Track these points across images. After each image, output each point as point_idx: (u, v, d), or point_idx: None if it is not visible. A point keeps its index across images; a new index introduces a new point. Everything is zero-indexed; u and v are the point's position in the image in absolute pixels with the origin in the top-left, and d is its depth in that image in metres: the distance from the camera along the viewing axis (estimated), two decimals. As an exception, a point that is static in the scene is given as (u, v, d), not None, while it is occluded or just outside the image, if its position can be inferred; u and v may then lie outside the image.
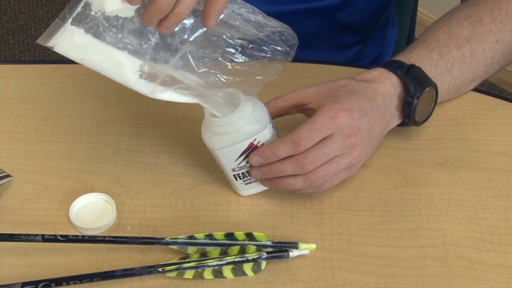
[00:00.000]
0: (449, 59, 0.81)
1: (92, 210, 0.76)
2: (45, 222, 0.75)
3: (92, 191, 0.78)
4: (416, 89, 0.76)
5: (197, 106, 0.70)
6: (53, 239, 0.71)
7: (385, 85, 0.77)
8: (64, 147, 0.84)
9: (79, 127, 0.86)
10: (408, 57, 0.80)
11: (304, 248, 0.72)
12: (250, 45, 0.67)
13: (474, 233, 0.74)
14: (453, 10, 0.87)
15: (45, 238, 0.71)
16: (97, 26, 0.64)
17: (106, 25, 0.65)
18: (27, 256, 0.72)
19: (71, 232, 0.73)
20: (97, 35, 0.65)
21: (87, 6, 0.64)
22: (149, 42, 0.65)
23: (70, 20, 0.64)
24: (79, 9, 0.64)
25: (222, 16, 0.65)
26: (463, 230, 0.74)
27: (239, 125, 0.70)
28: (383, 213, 0.76)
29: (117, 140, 0.84)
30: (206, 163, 0.80)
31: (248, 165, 0.73)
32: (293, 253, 0.71)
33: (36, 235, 0.71)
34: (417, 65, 0.79)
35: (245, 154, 0.72)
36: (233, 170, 0.74)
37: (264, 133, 0.71)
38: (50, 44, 0.65)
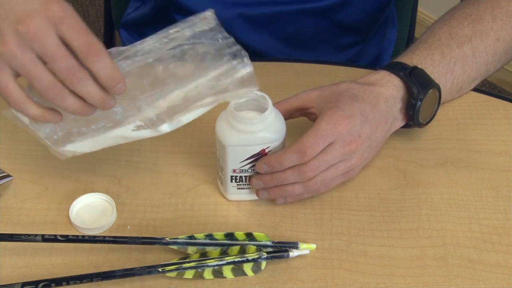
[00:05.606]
0: (451, 59, 0.81)
1: (92, 210, 0.76)
2: (45, 222, 0.75)
3: (92, 191, 0.78)
4: (420, 91, 0.76)
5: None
6: (53, 239, 0.71)
7: (387, 88, 0.77)
8: (64, 147, 0.84)
9: (79, 127, 0.86)
10: (410, 58, 0.80)
11: (304, 248, 0.72)
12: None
13: (474, 233, 0.74)
14: (454, 9, 0.86)
15: (45, 238, 0.71)
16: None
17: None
18: (27, 256, 0.72)
19: (71, 232, 0.73)
20: (91, 132, 0.69)
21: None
22: (139, 96, 0.67)
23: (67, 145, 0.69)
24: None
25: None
26: (463, 230, 0.74)
27: (258, 129, 0.70)
28: (383, 213, 0.76)
29: (117, 140, 0.84)
30: (206, 163, 0.80)
31: (250, 170, 0.73)
32: (293, 253, 0.71)
33: (36, 235, 0.71)
34: (419, 66, 0.78)
35: (253, 159, 0.72)
36: (234, 171, 0.74)
37: (277, 144, 0.72)
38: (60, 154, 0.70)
